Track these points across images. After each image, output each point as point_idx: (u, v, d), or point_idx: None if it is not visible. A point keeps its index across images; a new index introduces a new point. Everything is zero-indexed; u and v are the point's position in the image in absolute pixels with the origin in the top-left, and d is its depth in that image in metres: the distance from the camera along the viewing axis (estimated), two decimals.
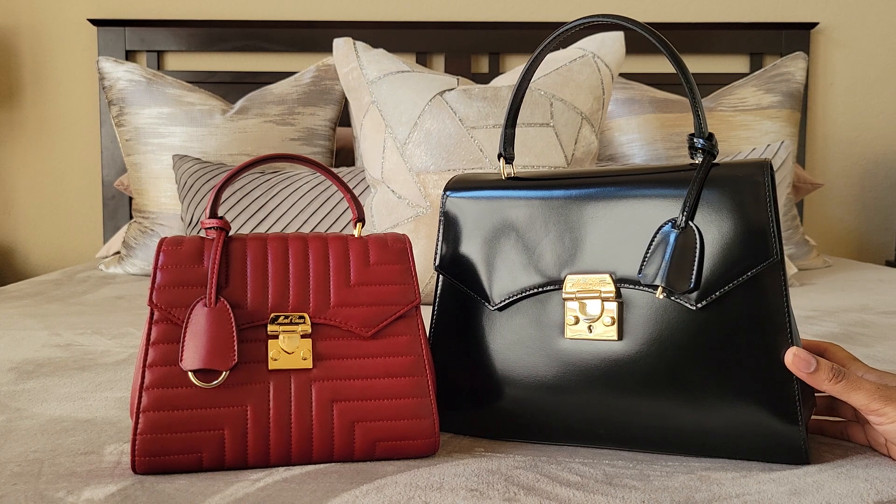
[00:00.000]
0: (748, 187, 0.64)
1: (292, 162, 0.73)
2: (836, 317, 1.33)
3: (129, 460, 0.64)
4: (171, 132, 1.95)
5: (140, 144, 1.96)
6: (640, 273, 0.65)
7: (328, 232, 0.88)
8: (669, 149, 2.04)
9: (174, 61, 2.43)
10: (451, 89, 1.46)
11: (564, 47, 1.69)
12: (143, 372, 0.63)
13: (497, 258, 0.72)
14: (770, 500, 0.57)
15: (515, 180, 0.74)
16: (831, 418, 0.71)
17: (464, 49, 2.40)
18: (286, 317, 0.66)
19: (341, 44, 1.57)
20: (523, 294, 0.70)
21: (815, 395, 0.70)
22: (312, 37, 2.38)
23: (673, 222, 0.65)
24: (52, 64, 2.44)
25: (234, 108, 1.98)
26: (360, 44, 1.57)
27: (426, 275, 1.38)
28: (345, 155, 2.21)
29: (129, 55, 2.39)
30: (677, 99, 2.13)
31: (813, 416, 0.72)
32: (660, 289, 0.63)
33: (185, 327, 0.64)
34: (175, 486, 0.60)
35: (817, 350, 0.70)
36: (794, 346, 0.62)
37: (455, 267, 0.74)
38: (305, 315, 0.66)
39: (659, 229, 0.65)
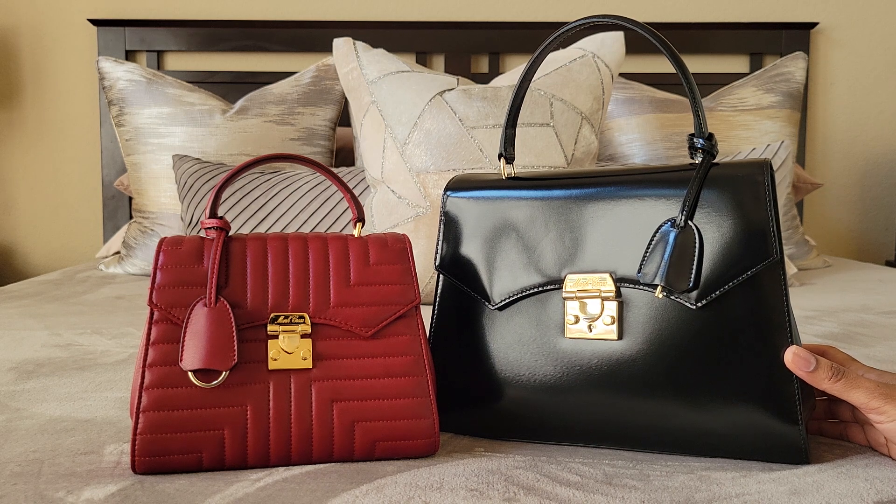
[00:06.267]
0: (748, 187, 0.64)
1: (292, 162, 0.73)
2: (836, 317, 1.33)
3: (129, 460, 0.64)
4: (171, 132, 1.95)
5: (140, 144, 1.96)
6: (639, 272, 0.65)
7: (328, 232, 0.88)
8: (669, 149, 2.04)
9: (174, 61, 2.43)
10: (451, 89, 1.46)
11: (564, 47, 1.69)
12: (143, 372, 0.63)
13: (497, 258, 0.72)
14: (770, 500, 0.57)
15: (516, 180, 0.74)
16: (831, 420, 0.71)
17: (464, 49, 2.40)
18: (286, 317, 0.66)
19: (341, 44, 1.57)
20: (523, 293, 0.70)
21: (815, 397, 0.70)
22: (312, 37, 2.38)
23: (672, 221, 0.65)
24: (52, 64, 2.44)
25: (234, 108, 1.98)
26: (360, 44, 1.57)
27: (426, 275, 1.38)
28: (345, 155, 2.21)
29: (129, 55, 2.39)
30: (677, 99, 2.13)
31: (812, 420, 0.72)
32: (659, 288, 0.63)
33: (185, 327, 0.64)
34: (175, 486, 0.60)
35: (816, 352, 0.70)
36: (794, 346, 0.62)
37: (455, 267, 0.74)
38: (305, 315, 0.66)
39: (658, 229, 0.65)
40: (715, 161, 0.68)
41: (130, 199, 2.32)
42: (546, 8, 2.47)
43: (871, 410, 0.61)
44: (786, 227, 1.93)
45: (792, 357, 0.61)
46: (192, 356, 0.63)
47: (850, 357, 0.69)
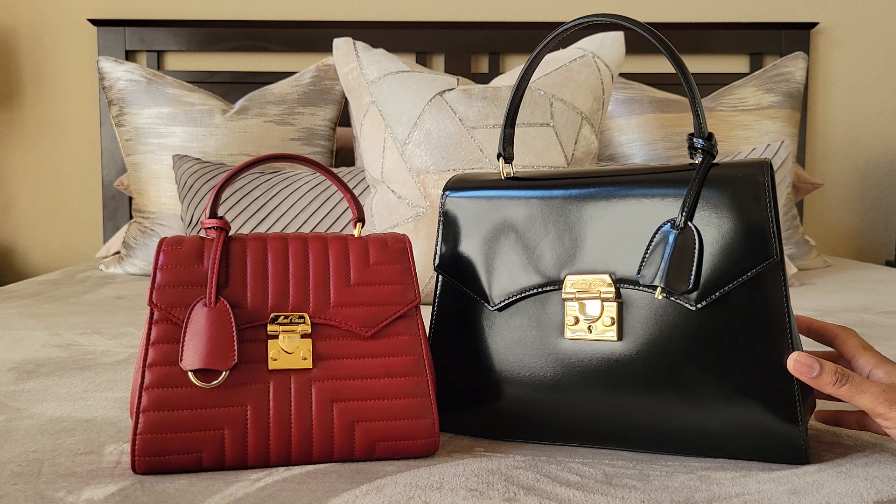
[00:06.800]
0: (748, 187, 0.64)
1: (292, 162, 0.73)
2: (836, 317, 1.33)
3: (129, 460, 0.64)
4: (171, 132, 1.95)
5: (140, 144, 1.96)
6: (638, 274, 0.65)
7: (328, 232, 0.88)
8: (669, 149, 2.04)
9: (174, 61, 2.43)
10: (451, 89, 1.46)
11: (564, 47, 1.69)
12: (143, 372, 0.63)
13: (496, 258, 0.72)
14: (770, 499, 0.57)
15: (515, 180, 0.74)
16: (843, 408, 0.70)
17: (464, 49, 2.40)
18: (286, 317, 0.66)
19: (341, 44, 1.57)
20: (523, 294, 0.70)
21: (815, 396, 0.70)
22: (312, 37, 2.38)
23: (672, 222, 0.65)
24: (52, 64, 2.44)
25: (234, 108, 1.98)
26: (360, 44, 1.57)
27: (426, 275, 1.38)
28: (345, 155, 2.21)
29: (129, 55, 2.39)
30: (677, 99, 2.13)
31: (829, 409, 0.72)
32: (659, 289, 0.63)
33: (185, 327, 0.64)
34: (175, 486, 0.60)
35: (828, 335, 0.69)
36: (796, 352, 0.61)
37: (454, 267, 0.74)
38: (305, 315, 0.66)
39: (658, 229, 0.65)
40: (715, 161, 0.68)
41: (130, 199, 2.32)
42: (546, 8, 2.47)
43: (877, 416, 0.61)
44: (786, 227, 1.93)
45: (794, 364, 0.61)
46: (192, 356, 0.63)
47: (863, 343, 0.67)
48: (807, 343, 1.11)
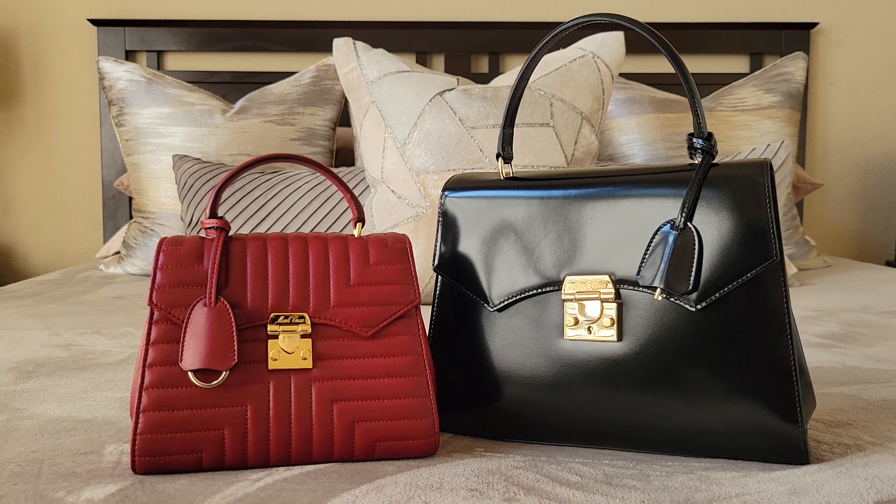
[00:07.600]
0: (748, 187, 0.64)
1: (292, 162, 0.73)
2: (836, 317, 1.33)
3: (129, 460, 0.64)
4: (171, 132, 1.95)
5: (140, 144, 1.96)
6: (638, 275, 0.65)
7: (328, 232, 0.89)
8: (669, 149, 2.04)
9: (174, 61, 2.43)
10: (451, 89, 1.46)
11: (564, 47, 1.69)
12: (143, 372, 0.63)
13: (496, 259, 0.72)
14: (770, 499, 0.57)
15: (514, 180, 0.74)
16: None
17: (464, 49, 2.40)
18: (286, 317, 0.66)
19: (341, 44, 1.57)
20: (522, 295, 0.70)
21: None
22: (312, 37, 2.38)
23: (672, 223, 0.65)
24: (52, 64, 2.44)
25: (234, 108, 1.98)
26: (360, 44, 1.57)
27: (426, 275, 1.38)
28: (345, 155, 2.21)
29: (129, 55, 2.39)
30: (677, 99, 2.13)
31: None
32: (658, 290, 0.63)
33: (185, 327, 0.64)
34: (175, 486, 0.60)
35: None
36: None
37: (454, 268, 0.74)
38: (305, 315, 0.66)
39: (658, 230, 0.65)
40: (714, 161, 0.68)
41: (130, 199, 2.32)
42: (546, 8, 2.47)
43: None
44: (786, 227, 1.93)
45: None
46: (192, 356, 0.63)
47: None
48: (806, 342, 1.11)
